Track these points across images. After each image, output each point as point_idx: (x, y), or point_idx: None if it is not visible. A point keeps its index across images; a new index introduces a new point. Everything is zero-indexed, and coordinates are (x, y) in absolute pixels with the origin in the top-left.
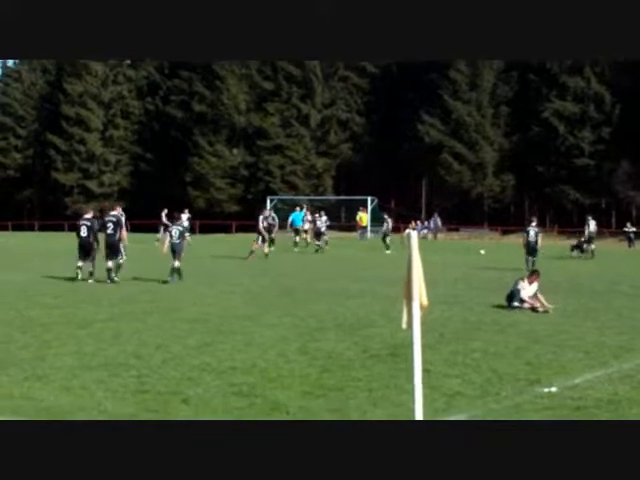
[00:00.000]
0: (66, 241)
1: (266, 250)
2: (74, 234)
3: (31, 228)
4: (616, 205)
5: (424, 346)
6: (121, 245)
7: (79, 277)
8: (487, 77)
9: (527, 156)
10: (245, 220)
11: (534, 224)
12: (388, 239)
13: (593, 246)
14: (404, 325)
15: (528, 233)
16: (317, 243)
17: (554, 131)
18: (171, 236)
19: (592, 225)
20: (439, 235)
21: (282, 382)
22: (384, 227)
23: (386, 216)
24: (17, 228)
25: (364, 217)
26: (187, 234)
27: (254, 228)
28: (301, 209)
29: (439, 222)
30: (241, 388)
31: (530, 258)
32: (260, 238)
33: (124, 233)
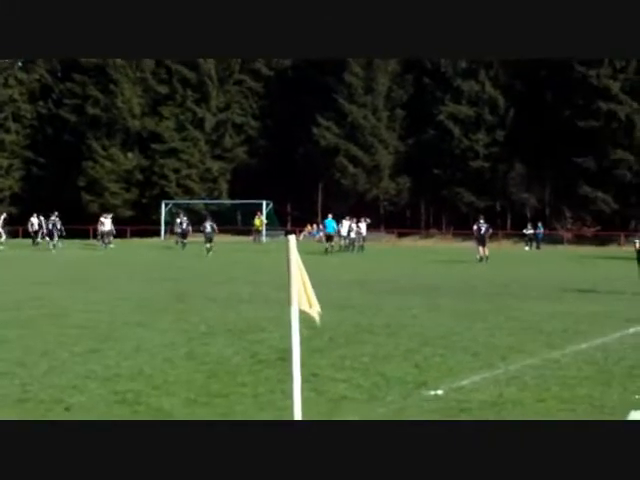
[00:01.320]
0: None
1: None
2: None
3: None
4: (510, 207)
5: (313, 350)
6: None
7: None
8: (382, 80)
9: (423, 159)
10: (140, 225)
11: (482, 220)
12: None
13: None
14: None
15: (480, 228)
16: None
17: (449, 134)
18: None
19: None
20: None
21: (167, 389)
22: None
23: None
24: None
25: (258, 221)
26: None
27: (150, 233)
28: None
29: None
30: (125, 396)
31: (481, 248)
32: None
33: None
